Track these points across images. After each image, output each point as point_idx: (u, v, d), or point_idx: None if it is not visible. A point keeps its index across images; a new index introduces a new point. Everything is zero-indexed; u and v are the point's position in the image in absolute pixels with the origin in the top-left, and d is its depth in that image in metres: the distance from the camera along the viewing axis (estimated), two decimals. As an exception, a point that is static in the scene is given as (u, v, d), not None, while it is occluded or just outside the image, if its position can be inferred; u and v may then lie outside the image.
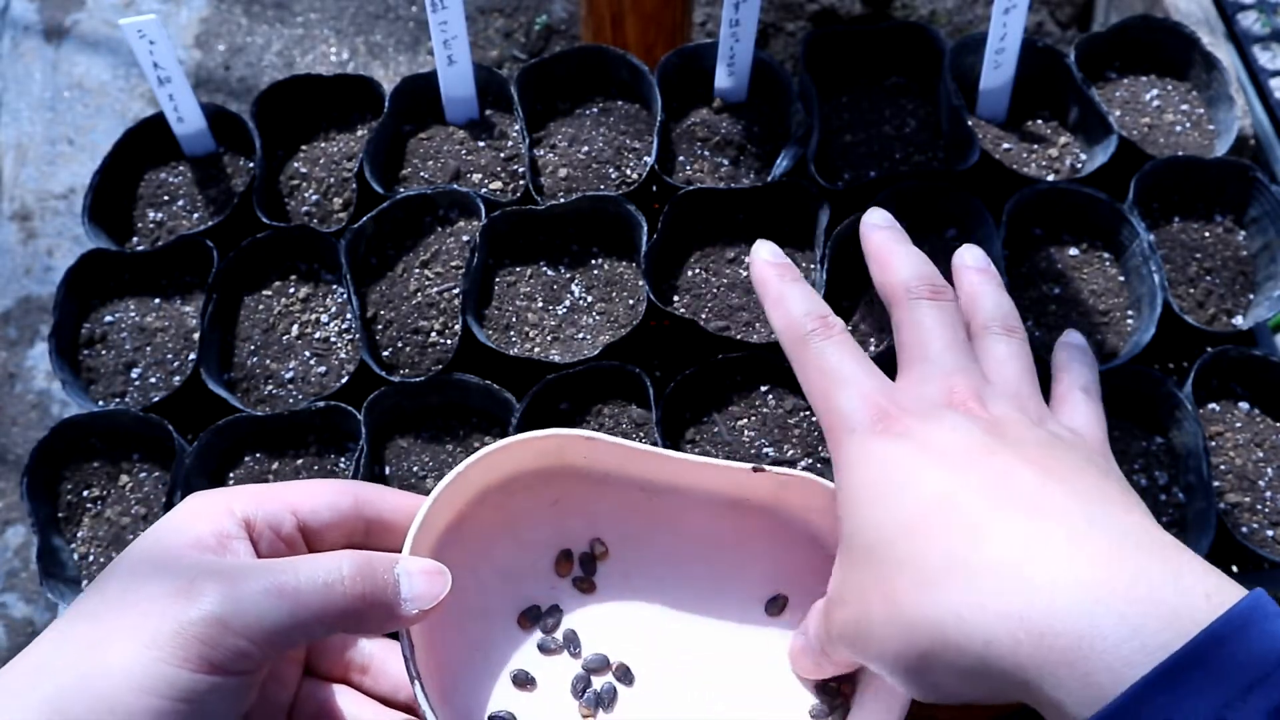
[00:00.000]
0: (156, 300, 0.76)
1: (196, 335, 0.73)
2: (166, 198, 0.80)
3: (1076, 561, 0.31)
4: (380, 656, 0.46)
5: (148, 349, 0.74)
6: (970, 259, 0.50)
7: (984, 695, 0.34)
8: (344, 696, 0.45)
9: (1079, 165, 0.77)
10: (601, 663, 0.48)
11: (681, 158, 0.78)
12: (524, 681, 0.47)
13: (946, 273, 0.72)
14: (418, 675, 0.40)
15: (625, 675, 0.48)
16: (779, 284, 0.47)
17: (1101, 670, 0.29)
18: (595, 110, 0.80)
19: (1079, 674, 0.29)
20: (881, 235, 0.48)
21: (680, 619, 0.49)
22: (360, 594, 0.38)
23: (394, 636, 0.44)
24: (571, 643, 0.48)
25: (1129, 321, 0.72)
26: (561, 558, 0.50)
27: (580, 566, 0.51)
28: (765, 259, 0.49)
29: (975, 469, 0.36)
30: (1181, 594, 0.29)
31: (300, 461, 0.69)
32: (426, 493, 0.66)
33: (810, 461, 0.66)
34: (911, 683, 0.36)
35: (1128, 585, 0.30)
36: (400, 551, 0.42)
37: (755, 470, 0.46)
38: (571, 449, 0.47)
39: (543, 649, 0.48)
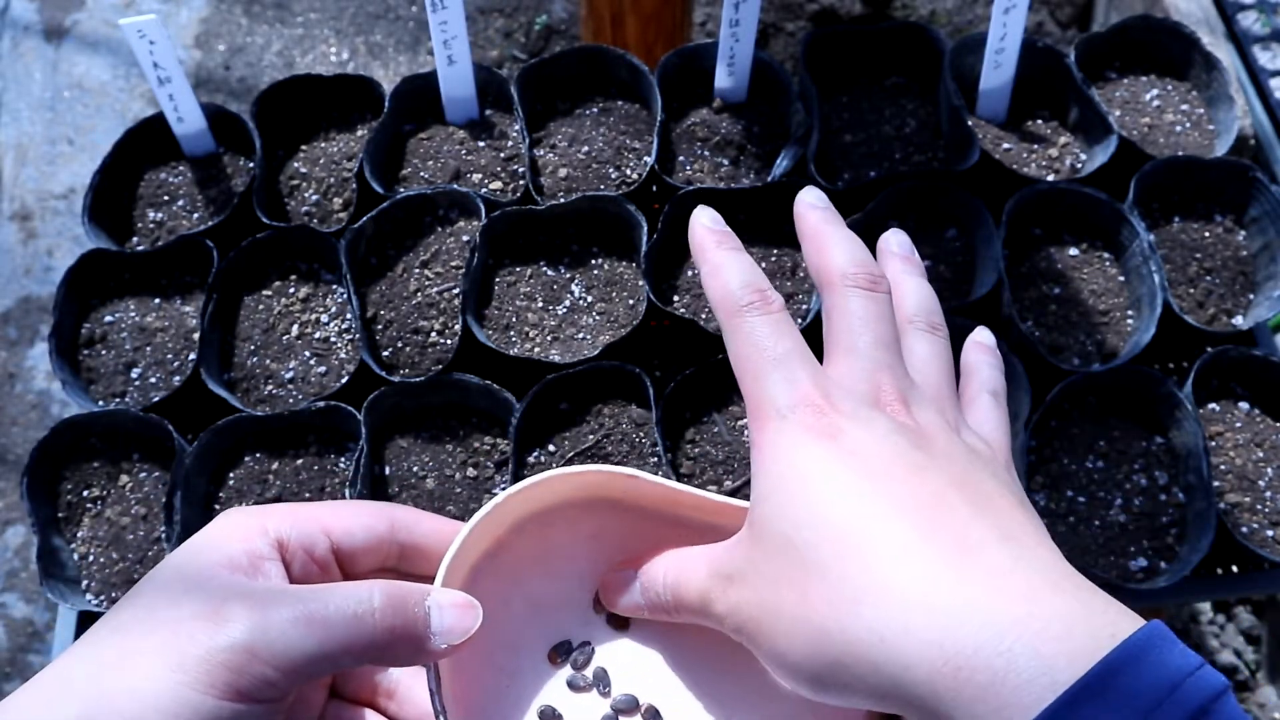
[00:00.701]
0: (156, 300, 0.76)
1: (196, 335, 0.73)
2: (166, 198, 0.80)
3: (999, 599, 0.32)
4: (406, 683, 0.46)
5: (148, 349, 0.74)
6: (895, 244, 0.48)
7: (879, 708, 0.34)
8: None
9: (1079, 165, 0.77)
10: (630, 704, 0.47)
11: (681, 158, 0.78)
12: (551, 718, 0.46)
13: (942, 258, 0.71)
14: (443, 710, 0.40)
15: (654, 718, 0.47)
16: (717, 251, 0.45)
17: (1013, 705, 0.30)
18: (595, 110, 0.80)
19: (991, 707, 0.30)
20: (817, 215, 0.47)
21: (713, 662, 0.48)
22: (390, 626, 0.37)
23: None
24: (601, 681, 0.47)
25: (1129, 321, 0.72)
26: (598, 593, 0.49)
27: None
28: (705, 224, 0.47)
29: (907, 488, 0.36)
30: (1091, 632, 0.31)
31: (300, 461, 0.69)
32: (428, 494, 0.67)
33: (810, 461, 0.66)
34: (805, 684, 0.36)
35: (1044, 625, 0.31)
36: (433, 577, 0.41)
37: None
38: (613, 483, 0.47)
39: (572, 686, 0.47)
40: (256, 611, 0.36)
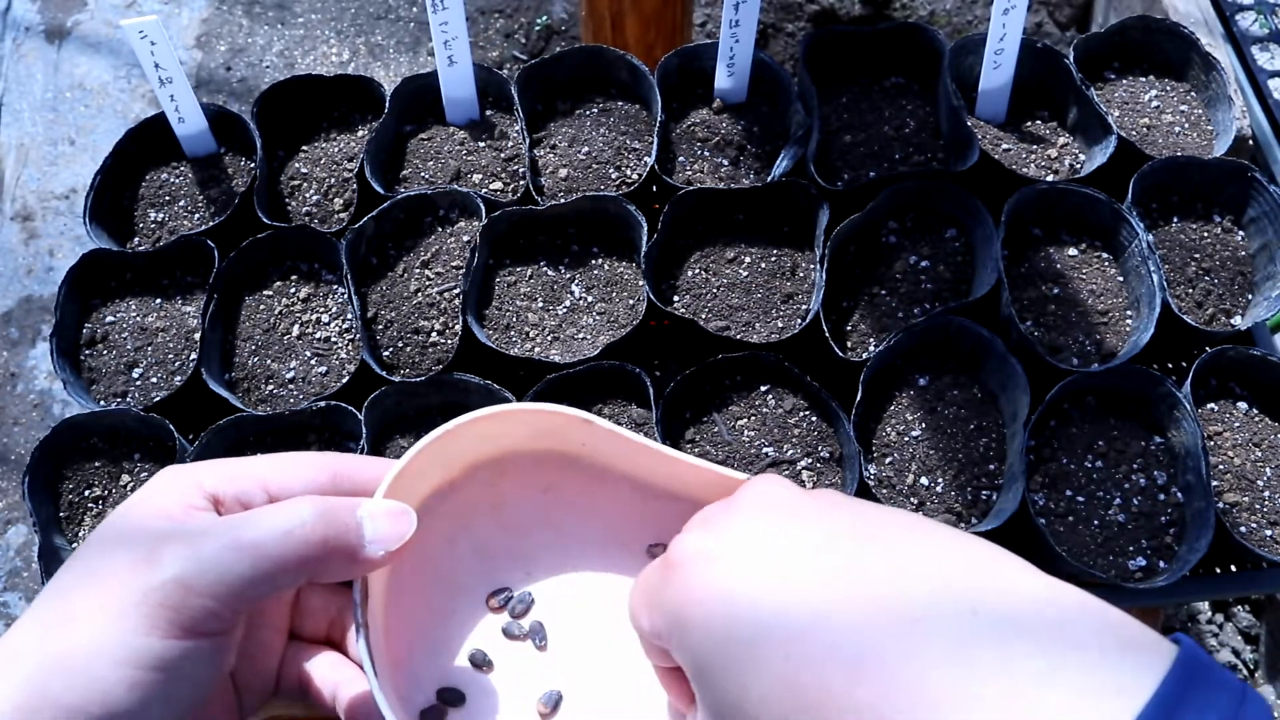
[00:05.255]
0: (158, 300, 0.77)
1: (197, 335, 0.73)
2: (168, 198, 0.80)
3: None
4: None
5: (149, 349, 0.74)
6: None
7: None
8: (328, 660, 0.44)
9: (1078, 165, 0.77)
10: (554, 698, 0.46)
11: (681, 158, 0.78)
12: (481, 663, 0.46)
13: (941, 258, 0.72)
14: (364, 624, 0.39)
15: (554, 705, 0.46)
16: None
17: None
18: (595, 110, 0.80)
19: None
20: None
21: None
22: (322, 539, 0.37)
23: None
24: (537, 634, 0.47)
25: (1128, 321, 0.72)
26: (546, 547, 0.49)
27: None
28: None
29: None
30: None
31: (301, 461, 0.69)
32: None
33: (810, 461, 0.67)
34: None
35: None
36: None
37: None
38: (571, 432, 0.46)
39: (507, 634, 0.47)
40: (187, 546, 0.36)
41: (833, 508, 0.35)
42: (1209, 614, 1.26)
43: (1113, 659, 0.28)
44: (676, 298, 0.73)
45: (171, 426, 0.68)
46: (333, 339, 0.73)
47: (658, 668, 0.41)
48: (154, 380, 0.73)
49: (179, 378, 0.72)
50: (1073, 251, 0.74)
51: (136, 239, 0.80)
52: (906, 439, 0.68)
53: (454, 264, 0.73)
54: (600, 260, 0.74)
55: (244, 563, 0.36)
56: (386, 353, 0.71)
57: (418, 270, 0.73)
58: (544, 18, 1.72)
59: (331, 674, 0.43)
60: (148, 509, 0.38)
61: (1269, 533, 0.66)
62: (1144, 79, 0.82)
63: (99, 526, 0.39)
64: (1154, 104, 0.81)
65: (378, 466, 0.43)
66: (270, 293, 0.75)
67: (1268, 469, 0.68)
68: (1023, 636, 0.29)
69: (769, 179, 0.74)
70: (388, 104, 0.79)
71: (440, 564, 0.47)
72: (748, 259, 0.74)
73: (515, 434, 0.46)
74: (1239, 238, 0.75)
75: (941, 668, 0.29)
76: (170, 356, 0.74)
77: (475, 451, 0.46)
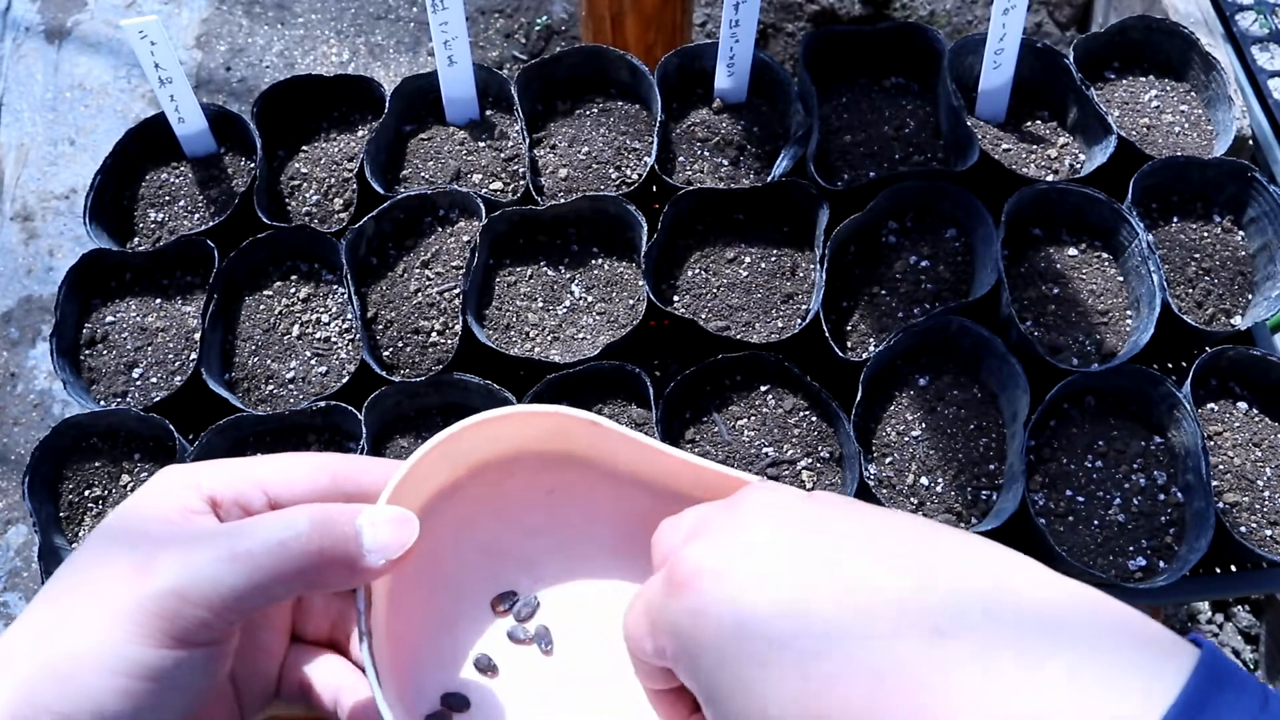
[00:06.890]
0: (158, 300, 0.77)
1: (197, 335, 0.73)
2: (168, 198, 0.80)
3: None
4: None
5: (149, 349, 0.74)
6: None
7: None
8: (329, 663, 0.44)
9: (1078, 165, 0.77)
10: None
11: (681, 158, 0.78)
12: (486, 668, 0.46)
13: (941, 258, 0.72)
14: (367, 632, 0.39)
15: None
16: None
17: None
18: (595, 110, 0.80)
19: None
20: None
21: None
22: (319, 549, 0.37)
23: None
24: (543, 639, 0.47)
25: (1128, 321, 0.72)
26: (551, 549, 0.48)
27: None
28: None
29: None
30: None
31: (301, 461, 0.69)
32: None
33: (810, 461, 0.67)
34: None
35: None
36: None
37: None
38: (577, 434, 0.46)
39: (512, 638, 0.47)
40: (182, 555, 0.35)
41: (838, 515, 0.35)
42: (1209, 614, 1.26)
43: (1133, 659, 0.28)
44: (676, 298, 0.73)
45: (171, 426, 0.68)
46: (333, 339, 0.73)
47: (650, 690, 0.41)
48: (154, 380, 0.73)
49: (179, 378, 0.72)
50: (1073, 251, 0.74)
51: (136, 239, 0.80)
52: (906, 439, 0.68)
53: (454, 264, 0.73)
54: (600, 260, 0.74)
55: (238, 575, 0.35)
56: (386, 353, 0.71)
57: (418, 270, 0.73)
58: (544, 18, 1.72)
59: (334, 678, 0.43)
60: (145, 513, 0.38)
61: (1269, 533, 0.66)
62: (1144, 79, 0.82)
63: (96, 528, 0.38)
64: (1154, 104, 0.81)
65: (380, 468, 0.43)
66: (270, 293, 0.75)
67: (1268, 469, 0.68)
68: (1042, 638, 0.29)
69: (769, 179, 0.74)
70: (388, 104, 0.79)
71: (445, 566, 0.46)
72: (748, 259, 0.74)
73: (522, 435, 0.46)
74: (1239, 238, 0.75)
75: (964, 675, 0.29)
76: (170, 356, 0.74)
77: (482, 452, 0.46)
